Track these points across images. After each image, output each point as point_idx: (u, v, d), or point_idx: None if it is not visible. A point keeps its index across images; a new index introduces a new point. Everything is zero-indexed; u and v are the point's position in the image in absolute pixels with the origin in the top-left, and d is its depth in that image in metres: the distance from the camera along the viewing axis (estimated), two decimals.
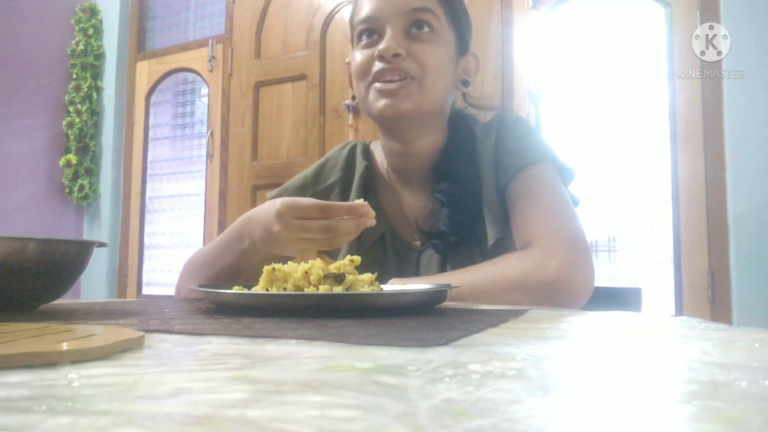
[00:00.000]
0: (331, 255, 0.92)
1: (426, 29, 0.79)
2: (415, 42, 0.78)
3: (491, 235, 0.78)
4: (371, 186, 0.91)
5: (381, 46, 0.77)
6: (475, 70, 0.88)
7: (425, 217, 0.85)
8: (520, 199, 0.78)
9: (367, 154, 0.94)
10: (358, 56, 0.81)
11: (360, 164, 0.91)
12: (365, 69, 0.79)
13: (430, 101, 0.80)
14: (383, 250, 0.86)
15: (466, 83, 0.86)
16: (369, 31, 0.80)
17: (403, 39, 0.78)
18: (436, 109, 0.82)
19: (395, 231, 0.87)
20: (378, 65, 0.78)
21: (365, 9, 0.80)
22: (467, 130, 0.86)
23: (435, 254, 0.82)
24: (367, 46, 0.80)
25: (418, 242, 0.85)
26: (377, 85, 0.78)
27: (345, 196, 0.91)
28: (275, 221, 0.66)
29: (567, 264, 0.68)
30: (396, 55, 0.77)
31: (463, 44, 0.85)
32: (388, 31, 0.78)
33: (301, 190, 0.93)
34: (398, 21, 0.78)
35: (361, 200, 0.65)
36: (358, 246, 0.86)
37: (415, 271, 0.84)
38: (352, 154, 0.94)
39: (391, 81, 0.77)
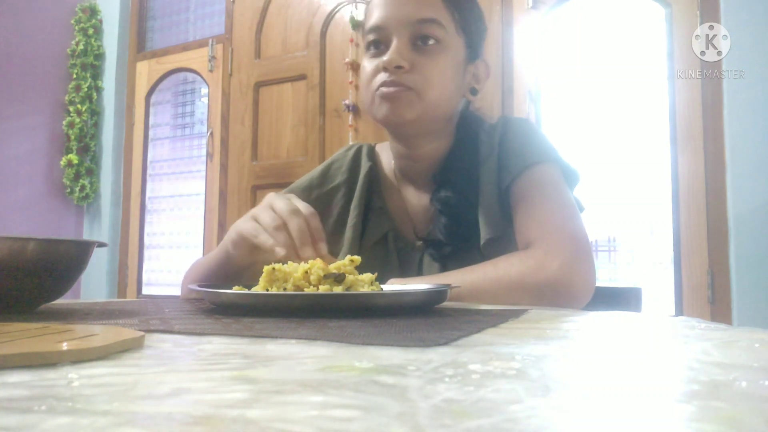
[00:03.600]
0: (333, 254, 0.92)
1: (432, 41, 0.79)
2: (420, 54, 0.78)
3: (483, 235, 0.78)
4: (375, 186, 0.92)
5: (385, 58, 0.78)
6: (485, 75, 0.87)
7: (427, 219, 0.86)
8: (523, 200, 0.78)
9: (372, 155, 0.95)
10: (366, 65, 0.82)
11: (364, 165, 0.93)
12: (371, 78, 0.81)
13: (433, 112, 0.80)
14: (385, 250, 0.87)
15: (474, 92, 0.86)
16: (377, 41, 0.81)
17: (408, 51, 0.78)
18: (439, 119, 0.83)
19: (398, 231, 0.88)
20: (382, 76, 0.78)
21: (373, 18, 0.81)
22: (473, 133, 0.86)
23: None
24: (374, 56, 0.81)
25: (419, 243, 0.86)
26: (381, 90, 0.79)
27: (350, 197, 0.92)
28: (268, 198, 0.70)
29: (568, 264, 0.68)
30: (399, 67, 0.77)
31: (473, 50, 0.84)
32: (394, 42, 0.78)
33: (308, 191, 0.94)
34: (404, 32, 0.78)
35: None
36: (360, 244, 0.87)
37: (417, 271, 0.84)
38: (357, 155, 0.95)
39: (393, 86, 0.78)
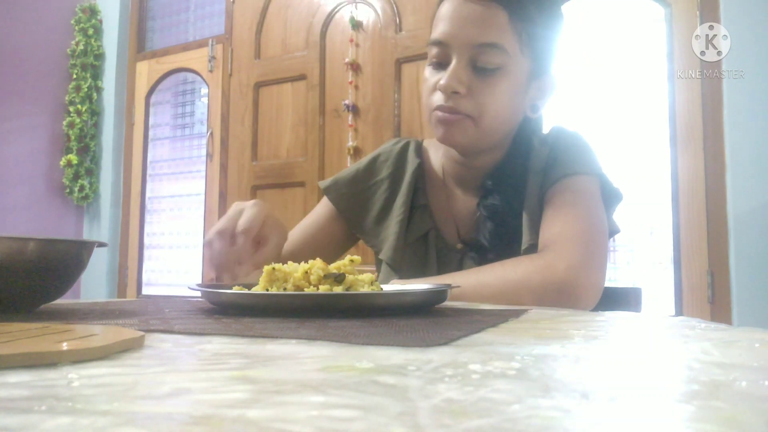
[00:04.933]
0: (373, 247, 0.93)
1: (492, 67, 0.77)
2: (478, 77, 0.77)
3: (525, 240, 0.78)
4: (420, 183, 0.92)
5: (442, 81, 0.76)
6: (550, 91, 0.86)
7: (471, 223, 0.86)
8: (551, 206, 0.79)
9: (420, 152, 0.95)
10: (427, 77, 0.81)
11: (412, 162, 0.92)
12: (429, 94, 0.80)
13: (487, 138, 0.80)
14: (425, 248, 0.87)
15: (535, 109, 0.84)
16: (438, 53, 0.79)
17: (466, 73, 0.77)
18: (494, 142, 0.83)
19: (440, 231, 0.88)
20: (439, 97, 0.78)
21: (437, 31, 0.79)
22: (527, 143, 0.86)
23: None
24: (434, 68, 0.80)
25: (460, 245, 0.86)
26: (436, 113, 0.79)
27: (394, 192, 0.92)
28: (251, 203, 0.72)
29: (576, 267, 0.68)
30: (455, 93, 0.76)
31: (540, 67, 0.82)
32: (453, 63, 0.77)
33: (353, 183, 0.94)
34: (464, 53, 0.76)
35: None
36: (404, 240, 0.87)
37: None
38: (404, 150, 0.95)
39: (449, 112, 0.78)
